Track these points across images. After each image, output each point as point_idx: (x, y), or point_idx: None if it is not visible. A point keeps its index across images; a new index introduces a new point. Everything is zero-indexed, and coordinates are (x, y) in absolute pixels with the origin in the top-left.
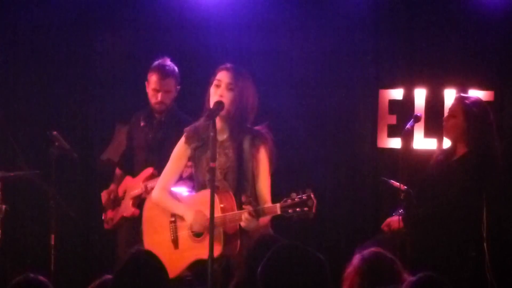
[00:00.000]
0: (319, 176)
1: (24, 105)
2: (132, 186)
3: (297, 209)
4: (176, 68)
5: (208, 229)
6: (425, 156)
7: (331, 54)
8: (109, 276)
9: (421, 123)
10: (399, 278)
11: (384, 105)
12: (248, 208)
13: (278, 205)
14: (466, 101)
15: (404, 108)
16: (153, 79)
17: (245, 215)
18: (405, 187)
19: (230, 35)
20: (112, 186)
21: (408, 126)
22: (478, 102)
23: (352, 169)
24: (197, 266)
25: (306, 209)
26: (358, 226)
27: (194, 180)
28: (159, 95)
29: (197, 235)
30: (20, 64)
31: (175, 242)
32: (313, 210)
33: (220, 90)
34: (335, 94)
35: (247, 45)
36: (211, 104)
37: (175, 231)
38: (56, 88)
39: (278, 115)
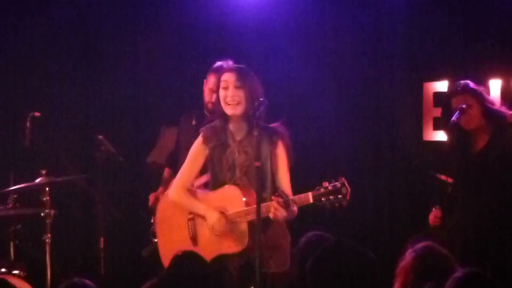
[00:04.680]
0: (364, 172)
1: (69, 110)
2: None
3: (331, 197)
4: None
5: (230, 228)
6: None
7: (375, 48)
8: (158, 278)
9: None
10: (452, 273)
11: (429, 98)
12: (278, 199)
13: (310, 193)
14: (474, 88)
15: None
16: (211, 80)
17: (274, 205)
18: (452, 180)
19: (270, 34)
20: (160, 189)
21: (453, 118)
22: (480, 87)
23: (399, 163)
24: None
25: (340, 196)
26: (405, 220)
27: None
28: (214, 96)
29: None
30: (65, 68)
31: (194, 239)
32: (347, 197)
33: (229, 91)
34: (380, 88)
35: (290, 41)
36: (223, 107)
37: (194, 228)
38: (102, 92)
39: (322, 111)
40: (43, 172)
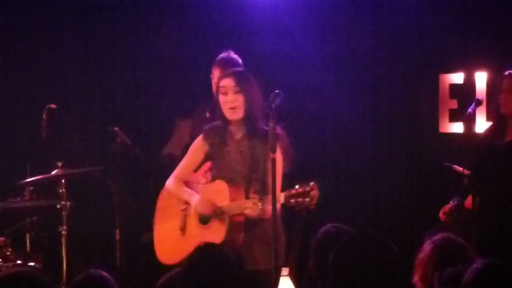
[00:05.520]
0: (380, 163)
1: (85, 102)
2: (193, 180)
3: (299, 199)
4: (240, 61)
5: (215, 214)
6: None
7: (390, 40)
8: (179, 269)
9: (483, 106)
10: (471, 263)
11: (445, 89)
12: (254, 196)
13: (282, 194)
14: None
15: (465, 92)
16: (216, 73)
17: (249, 204)
18: (469, 172)
19: (284, 20)
20: None
21: (469, 110)
22: None
23: (415, 155)
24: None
25: (307, 199)
26: (421, 212)
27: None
28: None
29: (204, 222)
30: (81, 60)
31: (183, 229)
32: (314, 202)
33: (228, 96)
34: (395, 80)
35: (302, 27)
36: (224, 112)
37: (184, 219)
38: (116, 84)
39: (338, 104)
40: (59, 164)
